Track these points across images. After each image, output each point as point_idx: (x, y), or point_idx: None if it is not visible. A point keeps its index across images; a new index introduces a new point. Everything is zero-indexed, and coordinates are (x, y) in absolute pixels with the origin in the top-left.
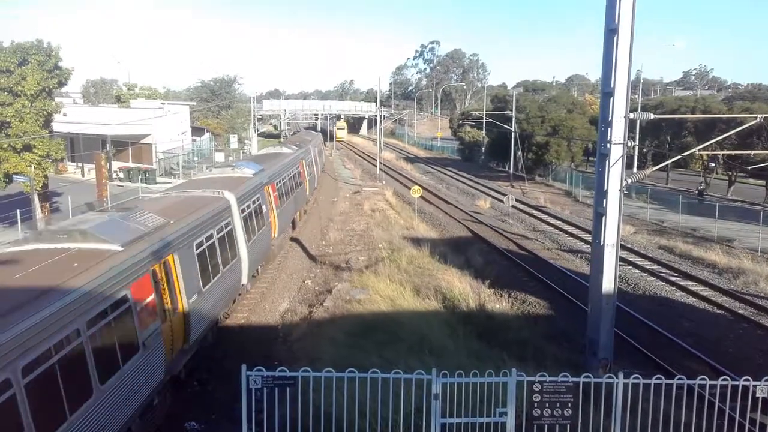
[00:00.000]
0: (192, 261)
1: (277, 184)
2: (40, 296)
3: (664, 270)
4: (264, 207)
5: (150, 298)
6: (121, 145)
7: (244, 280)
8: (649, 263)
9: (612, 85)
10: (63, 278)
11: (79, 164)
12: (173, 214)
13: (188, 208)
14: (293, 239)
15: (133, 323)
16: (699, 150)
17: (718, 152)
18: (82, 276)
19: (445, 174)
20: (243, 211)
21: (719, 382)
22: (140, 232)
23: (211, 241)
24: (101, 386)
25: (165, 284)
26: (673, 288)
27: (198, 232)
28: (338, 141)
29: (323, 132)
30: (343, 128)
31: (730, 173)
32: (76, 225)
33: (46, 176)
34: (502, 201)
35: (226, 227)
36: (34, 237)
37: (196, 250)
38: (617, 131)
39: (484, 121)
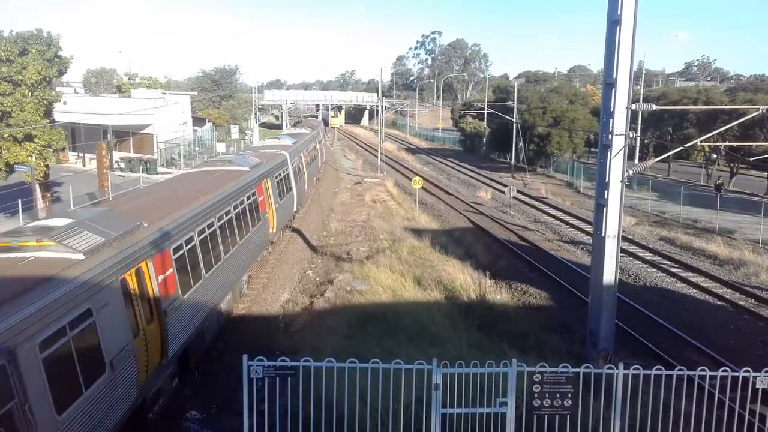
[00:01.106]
0: (275, 186)
1: (305, 153)
2: (224, 186)
3: (665, 261)
4: (300, 166)
5: (261, 197)
6: (122, 135)
7: (294, 208)
8: (650, 254)
9: (614, 76)
10: (231, 180)
11: (80, 154)
12: (262, 158)
13: (266, 157)
14: (294, 230)
15: (258, 206)
16: (701, 141)
17: (720, 143)
18: (237, 179)
19: (447, 165)
20: (293, 164)
21: (719, 373)
22: (254, 163)
23: (280, 178)
24: (252, 228)
25: (265, 193)
26: (674, 279)
27: (275, 170)
28: (333, 128)
29: (324, 121)
30: (336, 117)
31: (731, 165)
32: (224, 158)
33: (47, 166)
34: (503, 192)
35: (285, 172)
36: (203, 164)
37: (275, 180)
38: (619, 122)
39: (485, 111)
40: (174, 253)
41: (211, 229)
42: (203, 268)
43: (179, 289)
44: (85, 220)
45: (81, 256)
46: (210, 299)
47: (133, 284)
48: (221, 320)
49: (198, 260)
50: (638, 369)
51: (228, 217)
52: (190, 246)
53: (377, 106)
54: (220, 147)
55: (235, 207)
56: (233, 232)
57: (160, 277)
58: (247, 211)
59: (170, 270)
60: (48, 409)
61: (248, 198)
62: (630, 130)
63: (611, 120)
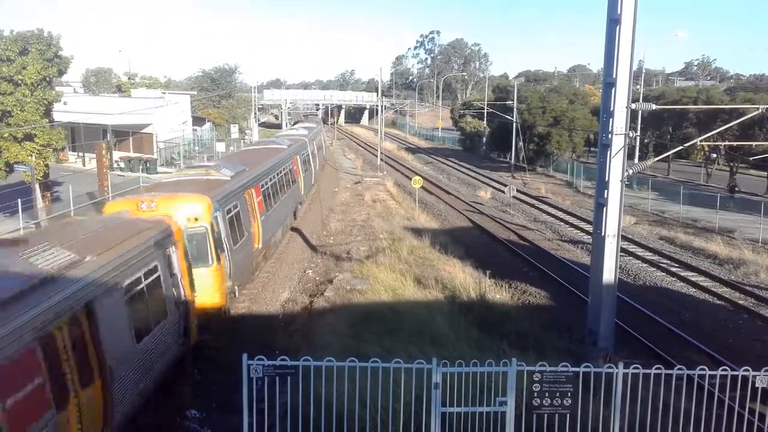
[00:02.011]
0: (302, 162)
1: (316, 141)
2: (277, 155)
3: (665, 261)
4: (314, 151)
5: (295, 168)
6: (121, 134)
7: (312, 181)
8: (650, 254)
9: (614, 76)
10: (278, 153)
11: (80, 154)
12: (292, 141)
13: (294, 141)
14: (294, 229)
15: (293, 173)
16: (700, 141)
17: (720, 143)
18: (281, 153)
19: (446, 164)
20: (310, 148)
21: (719, 372)
22: (288, 143)
23: (304, 157)
24: (292, 187)
25: (297, 165)
26: (674, 278)
27: (301, 150)
28: (331, 125)
29: (323, 120)
30: (333, 116)
31: (731, 164)
32: (267, 140)
33: (47, 166)
34: (503, 191)
35: (306, 153)
36: (254, 143)
37: (302, 157)
38: (619, 122)
39: (485, 111)
40: (261, 188)
41: (273, 181)
42: (272, 201)
43: (265, 210)
44: (221, 162)
45: (228, 178)
46: (275, 222)
47: (247, 198)
48: (281, 238)
49: (270, 196)
50: (638, 368)
51: (280, 176)
52: (266, 187)
53: (377, 106)
54: (220, 146)
55: (283, 170)
56: (282, 187)
57: (257, 200)
58: (289, 175)
59: (260, 197)
60: (230, 241)
61: (288, 166)
62: (630, 129)
63: (611, 119)
